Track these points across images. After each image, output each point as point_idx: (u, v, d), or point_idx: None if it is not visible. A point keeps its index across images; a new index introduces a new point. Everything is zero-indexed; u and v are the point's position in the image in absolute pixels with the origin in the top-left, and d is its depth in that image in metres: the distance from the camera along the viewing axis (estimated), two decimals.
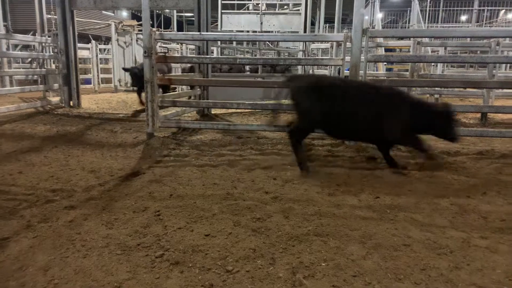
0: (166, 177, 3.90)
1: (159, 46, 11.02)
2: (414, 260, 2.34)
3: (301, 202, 3.24)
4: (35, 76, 11.60)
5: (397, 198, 3.40)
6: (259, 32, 11.83)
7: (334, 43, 9.71)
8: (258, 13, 12.10)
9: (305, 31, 12.20)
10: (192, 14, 8.08)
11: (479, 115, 7.63)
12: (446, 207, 3.20)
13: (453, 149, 5.02)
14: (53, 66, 9.20)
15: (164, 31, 9.44)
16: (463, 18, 22.42)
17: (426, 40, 8.45)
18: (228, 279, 2.14)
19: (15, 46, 13.71)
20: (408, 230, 2.75)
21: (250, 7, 13.91)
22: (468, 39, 9.49)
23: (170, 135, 5.73)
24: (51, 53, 9.14)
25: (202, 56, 7.38)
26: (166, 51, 6.16)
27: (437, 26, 19.37)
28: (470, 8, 20.04)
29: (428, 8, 19.64)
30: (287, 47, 14.68)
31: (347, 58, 5.18)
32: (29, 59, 12.76)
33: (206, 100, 7.41)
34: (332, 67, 9.96)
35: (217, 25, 14.28)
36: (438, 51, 11.29)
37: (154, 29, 5.37)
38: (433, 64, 10.44)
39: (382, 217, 2.97)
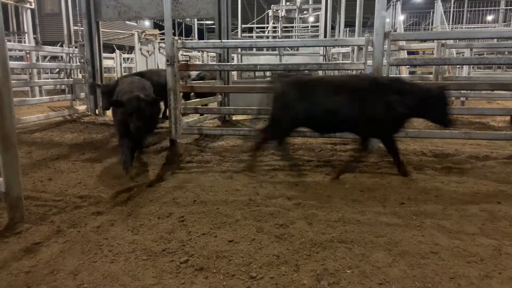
0: (189, 183, 3.95)
1: (181, 54, 11.20)
2: (442, 268, 2.28)
3: (324, 209, 3.21)
4: (63, 85, 12.00)
5: (423, 204, 3.32)
6: (279, 38, 11.90)
7: (355, 47, 9.64)
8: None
9: (325, 36, 12.16)
10: (212, 22, 8.18)
11: (508, 118, 7.39)
12: (475, 213, 3.11)
13: (482, 153, 4.87)
14: (80, 76, 9.50)
15: (185, 40, 9.61)
16: (489, 18, 21.76)
17: (451, 41, 8.27)
18: (252, 286, 2.14)
19: (44, 57, 14.23)
20: (436, 237, 2.68)
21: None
22: (495, 40, 9.24)
23: (192, 142, 5.81)
24: (78, 64, 9.44)
25: (223, 63, 7.47)
26: (188, 59, 6.27)
27: (461, 27, 18.88)
28: (497, 8, 19.45)
29: (452, 9, 19.16)
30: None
31: (369, 62, 5.13)
32: (57, 70, 13.22)
33: (227, 107, 7.47)
34: (354, 71, 9.89)
35: (237, 32, 14.43)
36: (464, 52, 11.02)
37: (176, 37, 5.47)
38: (458, 66, 10.19)
39: (408, 224, 2.91)
